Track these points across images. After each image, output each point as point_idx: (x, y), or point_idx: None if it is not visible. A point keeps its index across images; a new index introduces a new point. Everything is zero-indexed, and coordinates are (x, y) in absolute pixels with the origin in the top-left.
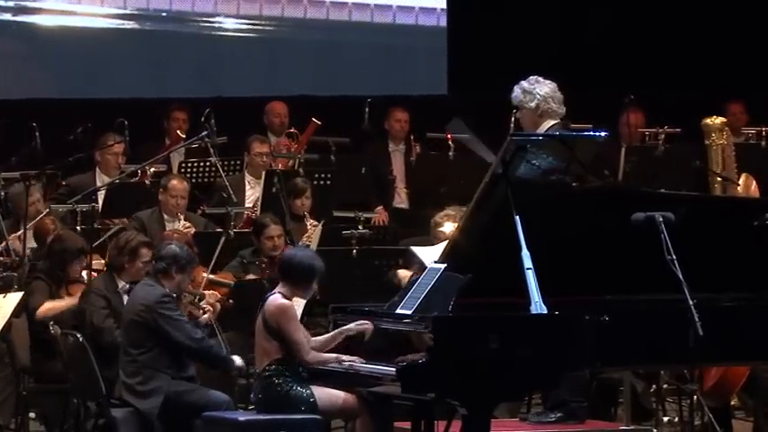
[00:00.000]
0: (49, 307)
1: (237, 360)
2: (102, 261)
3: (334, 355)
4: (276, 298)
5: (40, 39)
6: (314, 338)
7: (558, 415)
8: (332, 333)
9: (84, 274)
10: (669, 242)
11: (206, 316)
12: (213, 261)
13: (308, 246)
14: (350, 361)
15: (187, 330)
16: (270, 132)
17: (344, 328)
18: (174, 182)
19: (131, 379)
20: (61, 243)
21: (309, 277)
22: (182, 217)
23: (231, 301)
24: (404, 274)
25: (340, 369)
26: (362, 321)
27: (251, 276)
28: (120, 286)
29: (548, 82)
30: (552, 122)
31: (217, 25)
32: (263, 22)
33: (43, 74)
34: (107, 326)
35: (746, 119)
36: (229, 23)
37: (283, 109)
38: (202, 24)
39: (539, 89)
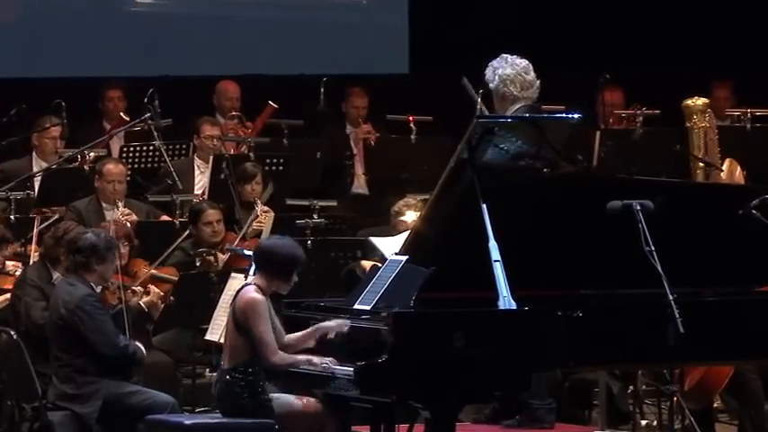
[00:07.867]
0: None
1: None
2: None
3: (304, 357)
4: (248, 290)
5: None
6: (289, 336)
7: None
8: (308, 330)
9: (9, 264)
10: (647, 232)
11: (135, 299)
12: (164, 256)
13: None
14: (322, 363)
15: (111, 340)
16: (218, 114)
17: (322, 325)
18: (110, 166)
19: (65, 385)
20: None
21: (290, 269)
22: (120, 204)
23: (172, 298)
24: (368, 265)
25: (295, 371)
26: (342, 321)
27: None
28: (54, 277)
29: (517, 62)
30: (517, 107)
31: (164, 1)
32: None
33: None
34: (45, 321)
35: (733, 102)
36: None
37: (236, 91)
38: (150, 1)
39: (501, 70)
